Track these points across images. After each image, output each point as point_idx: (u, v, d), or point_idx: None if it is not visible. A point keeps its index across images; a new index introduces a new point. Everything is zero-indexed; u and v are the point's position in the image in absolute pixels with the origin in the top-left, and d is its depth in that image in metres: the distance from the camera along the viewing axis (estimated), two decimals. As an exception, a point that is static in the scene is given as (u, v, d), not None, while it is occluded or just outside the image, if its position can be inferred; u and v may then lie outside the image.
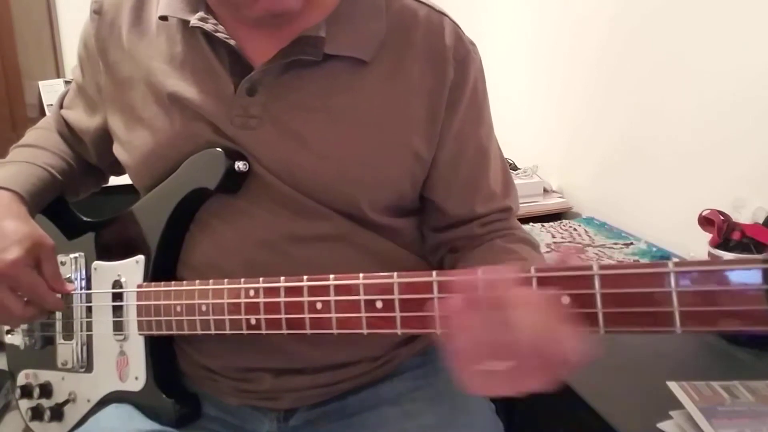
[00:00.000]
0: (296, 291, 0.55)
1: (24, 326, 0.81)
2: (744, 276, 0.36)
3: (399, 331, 0.50)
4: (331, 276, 0.53)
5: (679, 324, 0.38)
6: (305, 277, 0.54)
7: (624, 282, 0.40)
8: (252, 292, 0.58)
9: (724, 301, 0.37)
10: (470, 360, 0.43)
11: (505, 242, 0.71)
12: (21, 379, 0.82)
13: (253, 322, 0.58)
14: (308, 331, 0.54)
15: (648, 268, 0.40)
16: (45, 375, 0.79)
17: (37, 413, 0.78)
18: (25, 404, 0.81)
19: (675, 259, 0.40)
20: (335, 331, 0.52)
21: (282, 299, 0.55)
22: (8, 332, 0.83)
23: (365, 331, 0.51)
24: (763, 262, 0.36)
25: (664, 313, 0.39)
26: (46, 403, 0.79)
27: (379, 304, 0.51)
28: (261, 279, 0.57)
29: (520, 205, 0.80)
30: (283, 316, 0.55)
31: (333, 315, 0.53)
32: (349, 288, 0.52)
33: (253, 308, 0.58)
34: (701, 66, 1.18)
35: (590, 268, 0.41)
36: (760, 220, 1.00)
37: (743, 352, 0.89)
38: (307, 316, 0.54)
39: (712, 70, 1.15)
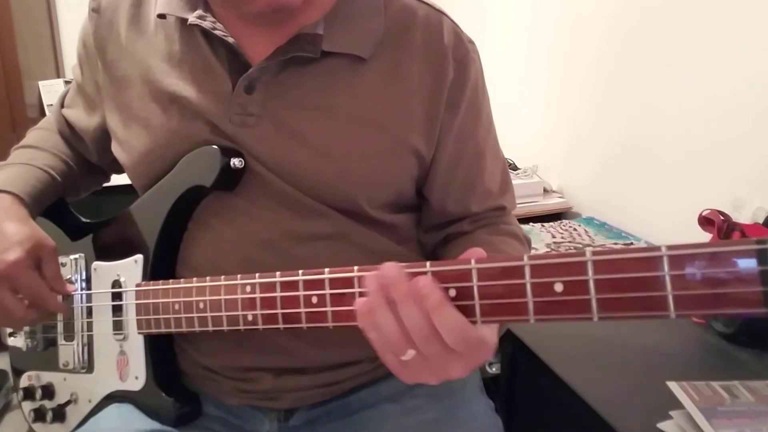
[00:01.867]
0: (292, 285, 0.55)
1: (26, 328, 0.81)
2: (738, 258, 0.36)
3: None
4: (326, 269, 0.53)
5: (673, 308, 0.38)
6: (300, 272, 0.54)
7: (617, 267, 0.40)
8: (248, 288, 0.58)
9: (719, 284, 0.37)
10: (383, 353, 0.49)
11: (488, 233, 0.72)
12: (24, 381, 0.82)
13: (250, 318, 0.58)
14: (304, 325, 0.54)
15: (641, 252, 0.39)
16: (47, 376, 0.79)
17: (39, 415, 0.78)
18: (27, 406, 0.81)
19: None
20: (330, 325, 0.52)
21: (278, 294, 0.55)
22: (11, 334, 0.83)
23: (360, 324, 0.51)
24: (757, 243, 0.35)
25: (657, 298, 0.38)
26: (48, 404, 0.79)
27: None
28: (257, 274, 0.57)
29: (521, 205, 0.80)
30: (279, 311, 0.56)
31: (328, 308, 0.52)
32: (344, 281, 0.52)
33: (249, 304, 0.58)
34: (701, 66, 1.18)
35: (583, 254, 0.41)
36: (760, 220, 1.00)
37: (743, 352, 0.89)
38: (303, 310, 0.54)
39: (712, 70, 1.15)
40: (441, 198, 0.72)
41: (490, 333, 0.48)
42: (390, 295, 0.47)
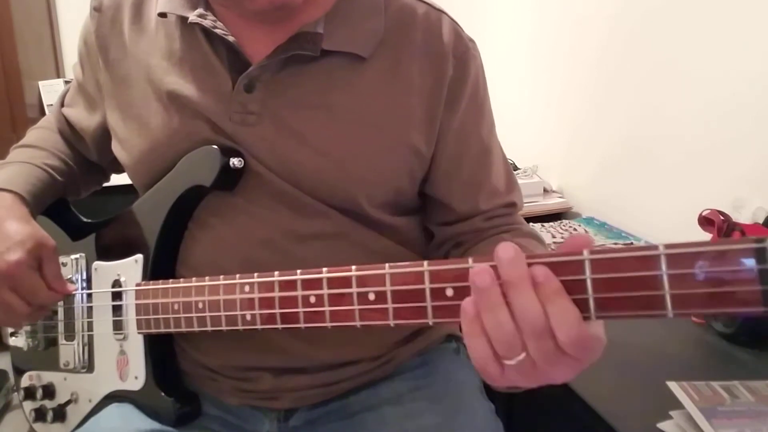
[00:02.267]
0: (290, 285, 0.55)
1: (27, 328, 0.81)
2: (737, 257, 0.36)
3: (392, 323, 0.50)
4: (324, 269, 0.53)
5: (671, 307, 0.38)
6: (299, 271, 0.54)
7: (614, 266, 0.40)
8: (247, 288, 0.58)
9: (717, 283, 0.36)
10: (485, 361, 0.43)
11: (512, 237, 0.71)
12: (25, 380, 0.82)
13: (248, 318, 0.58)
14: (302, 325, 0.54)
15: (638, 251, 0.39)
16: (48, 376, 0.79)
17: (40, 414, 0.78)
18: (28, 405, 0.81)
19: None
20: (329, 324, 0.52)
21: (276, 294, 0.55)
22: (12, 334, 0.83)
23: (358, 324, 0.51)
24: (755, 242, 0.35)
25: (655, 297, 0.38)
26: (49, 404, 0.79)
27: (371, 296, 0.50)
28: (255, 274, 0.57)
29: (520, 205, 0.80)
30: (277, 311, 0.55)
31: (326, 308, 0.52)
32: (342, 280, 0.51)
33: (248, 304, 0.58)
34: (701, 66, 1.18)
35: (580, 253, 0.41)
36: (760, 220, 1.00)
37: (743, 352, 0.89)
38: (301, 310, 0.54)
39: (712, 70, 1.15)
40: (447, 195, 0.72)
41: (602, 330, 0.43)
42: (505, 278, 0.42)
